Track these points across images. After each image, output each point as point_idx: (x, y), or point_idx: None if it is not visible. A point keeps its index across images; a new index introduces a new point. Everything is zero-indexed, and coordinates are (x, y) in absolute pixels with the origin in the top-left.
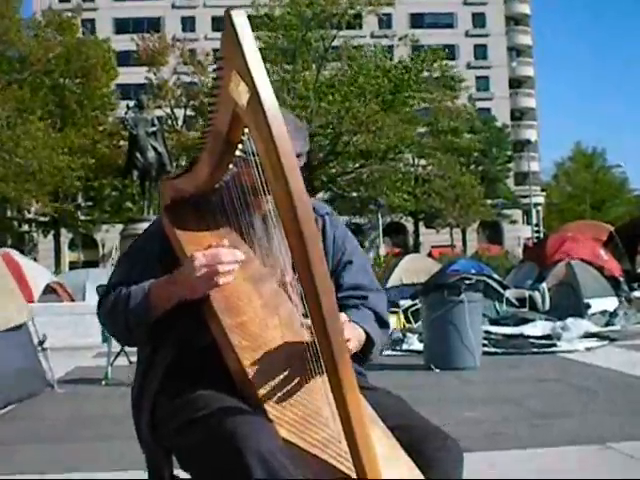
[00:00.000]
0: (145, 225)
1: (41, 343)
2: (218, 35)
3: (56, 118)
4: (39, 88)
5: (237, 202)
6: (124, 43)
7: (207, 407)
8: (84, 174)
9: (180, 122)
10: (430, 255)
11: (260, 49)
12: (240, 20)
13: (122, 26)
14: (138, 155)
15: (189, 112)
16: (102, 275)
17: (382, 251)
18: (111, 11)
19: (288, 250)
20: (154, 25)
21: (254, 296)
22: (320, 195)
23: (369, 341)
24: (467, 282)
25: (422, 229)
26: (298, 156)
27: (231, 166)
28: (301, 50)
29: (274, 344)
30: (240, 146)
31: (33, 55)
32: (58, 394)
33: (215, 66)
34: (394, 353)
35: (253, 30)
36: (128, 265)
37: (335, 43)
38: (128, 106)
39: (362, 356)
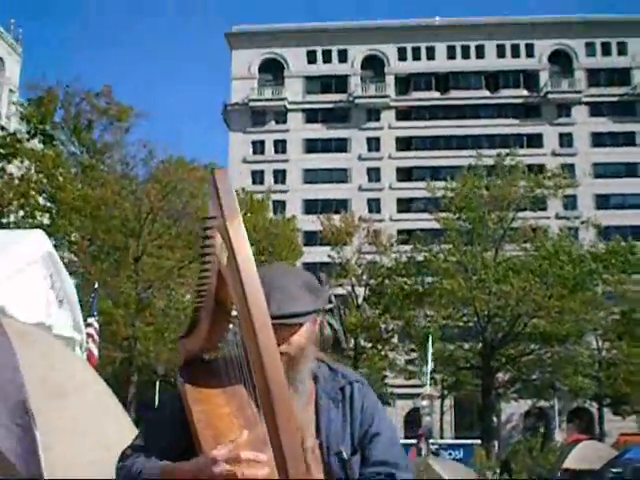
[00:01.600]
0: None
1: None
2: (403, 216)
3: None
4: None
5: (241, 360)
6: (312, 224)
7: None
8: None
9: (360, 300)
10: (617, 443)
11: (438, 230)
12: (221, 180)
13: (311, 207)
14: None
15: (369, 291)
16: None
17: (557, 437)
18: (301, 193)
19: (305, 412)
20: (341, 206)
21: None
22: (500, 375)
23: None
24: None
25: (609, 415)
26: (307, 314)
27: (231, 325)
28: (478, 231)
29: None
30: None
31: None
32: None
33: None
34: None
35: (423, 212)
36: (148, 429)
37: (516, 224)
38: None
39: None
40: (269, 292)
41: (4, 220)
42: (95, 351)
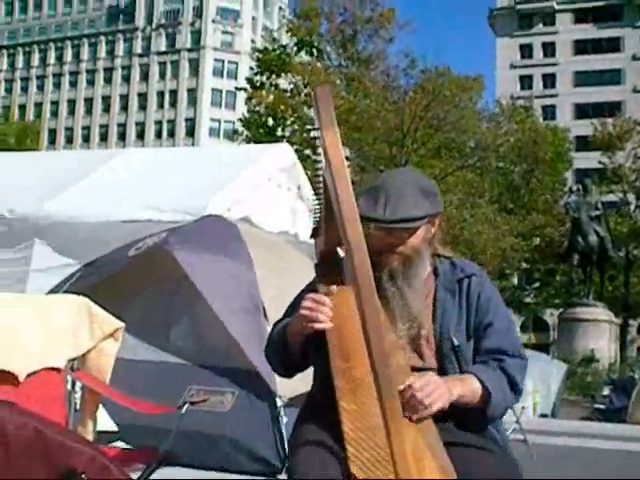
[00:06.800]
0: (585, 309)
1: None
2: None
3: (504, 201)
4: (488, 172)
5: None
6: (583, 128)
7: (302, 442)
8: (530, 256)
9: (632, 207)
10: None
11: None
12: (322, 96)
13: (582, 111)
14: (579, 239)
15: None
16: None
17: None
18: (572, 97)
19: (422, 304)
20: (615, 109)
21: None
22: None
23: (486, 393)
24: None
25: None
26: (421, 218)
27: None
28: None
29: (372, 391)
30: None
31: (483, 142)
32: None
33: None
34: None
35: None
36: (289, 308)
37: None
38: (571, 190)
39: (482, 410)
40: (387, 197)
41: (279, 133)
42: None
